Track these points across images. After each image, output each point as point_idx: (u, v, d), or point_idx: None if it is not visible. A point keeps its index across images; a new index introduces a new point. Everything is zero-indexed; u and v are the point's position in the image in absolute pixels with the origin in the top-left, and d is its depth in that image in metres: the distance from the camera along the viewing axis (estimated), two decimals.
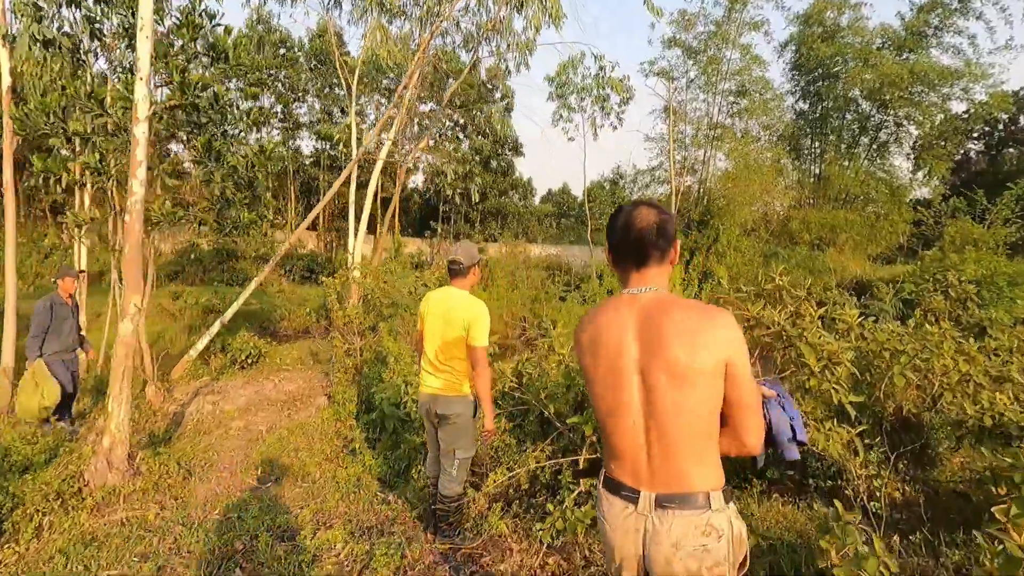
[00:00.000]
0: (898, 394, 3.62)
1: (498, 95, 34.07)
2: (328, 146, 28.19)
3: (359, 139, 21.92)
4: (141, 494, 3.75)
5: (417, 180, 34.58)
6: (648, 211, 1.43)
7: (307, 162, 33.97)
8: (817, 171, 22.04)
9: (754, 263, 15.61)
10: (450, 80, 11.89)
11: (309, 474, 4.35)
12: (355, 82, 10.57)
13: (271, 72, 31.23)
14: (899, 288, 6.21)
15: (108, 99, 5.47)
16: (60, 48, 5.47)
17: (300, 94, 33.16)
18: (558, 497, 3.43)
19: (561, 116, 18.77)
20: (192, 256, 21.74)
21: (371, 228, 34.32)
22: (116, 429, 3.81)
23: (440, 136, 32.71)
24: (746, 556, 1.43)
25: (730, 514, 1.38)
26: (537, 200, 40.95)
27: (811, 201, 20.74)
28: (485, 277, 18.32)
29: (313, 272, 22.55)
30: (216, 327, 7.89)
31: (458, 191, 18.49)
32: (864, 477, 3.06)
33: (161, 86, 5.92)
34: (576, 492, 3.21)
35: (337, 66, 10.95)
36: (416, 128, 18.25)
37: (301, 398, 6.62)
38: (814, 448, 3.25)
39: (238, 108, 6.36)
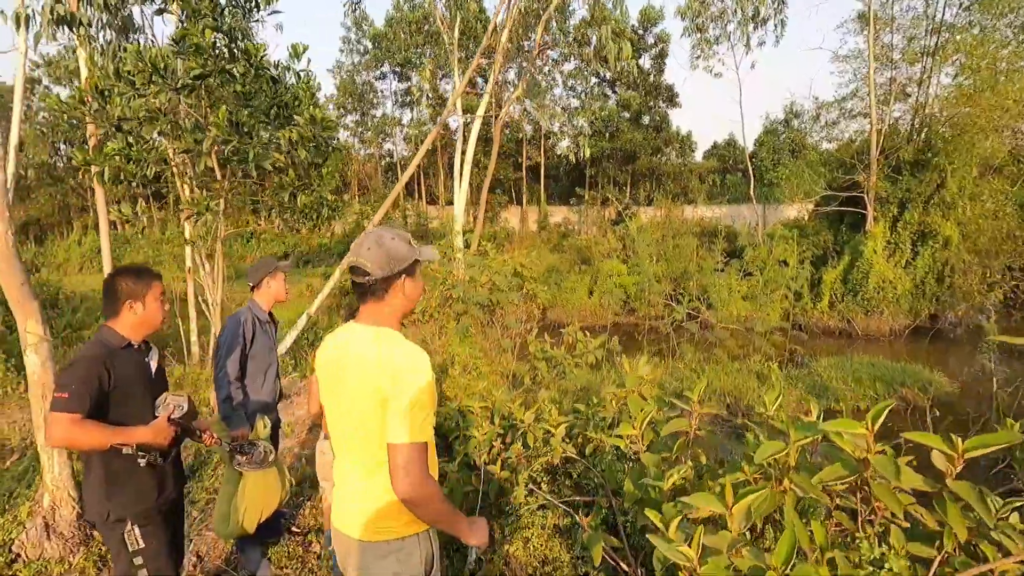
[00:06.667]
0: None
1: (651, 39, 30.79)
2: (469, 118, 27.78)
3: (497, 101, 20.80)
4: (78, 574, 2.91)
5: (562, 145, 32.98)
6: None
7: (454, 137, 34.21)
8: None
9: (1004, 216, 11.19)
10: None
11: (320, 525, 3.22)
12: (455, 33, 9.30)
13: (417, 50, 31.84)
14: None
15: (133, 73, 4.82)
16: (79, 25, 4.97)
17: (448, 70, 33.37)
18: None
19: (701, 53, 15.62)
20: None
21: (519, 199, 33.66)
22: (53, 485, 3.02)
23: (585, 95, 30.55)
24: None
25: None
26: (699, 156, 36.73)
27: None
28: (628, 248, 15.87)
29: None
30: (303, 321, 7.33)
31: (573, 152, 16.33)
32: None
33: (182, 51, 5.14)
34: None
35: (438, 20, 9.75)
36: (512, 75, 16.45)
37: None
38: None
39: (282, 72, 5.40)
